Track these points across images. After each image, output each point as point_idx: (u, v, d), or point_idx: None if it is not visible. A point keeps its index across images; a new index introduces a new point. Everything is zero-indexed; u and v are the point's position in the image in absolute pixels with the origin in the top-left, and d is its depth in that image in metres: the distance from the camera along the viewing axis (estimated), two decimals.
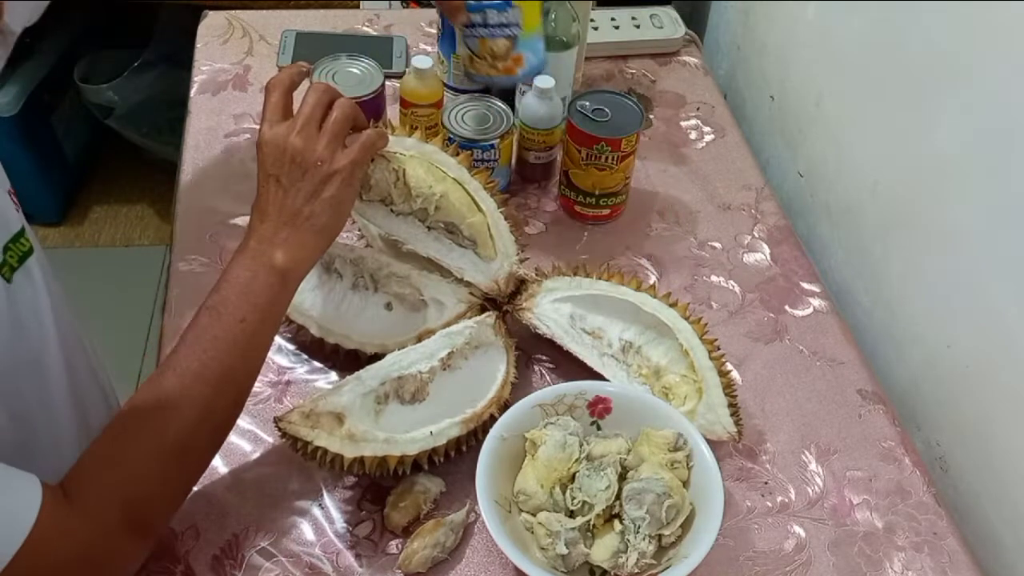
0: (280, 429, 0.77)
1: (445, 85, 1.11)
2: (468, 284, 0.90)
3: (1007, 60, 0.82)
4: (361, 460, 0.77)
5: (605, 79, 1.30)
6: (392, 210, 0.88)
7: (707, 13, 1.48)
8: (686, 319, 0.88)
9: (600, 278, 0.91)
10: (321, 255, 0.78)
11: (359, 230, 0.99)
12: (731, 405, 0.85)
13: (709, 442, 0.80)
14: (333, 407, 0.78)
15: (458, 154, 0.90)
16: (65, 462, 0.68)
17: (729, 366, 0.89)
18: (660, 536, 0.76)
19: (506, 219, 0.90)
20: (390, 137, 0.85)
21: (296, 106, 0.78)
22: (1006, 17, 0.81)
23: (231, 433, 0.85)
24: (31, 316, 0.75)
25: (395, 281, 0.90)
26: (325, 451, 0.76)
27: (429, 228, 0.89)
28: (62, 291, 0.83)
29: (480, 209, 0.89)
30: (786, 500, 0.85)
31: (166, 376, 0.69)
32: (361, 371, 0.83)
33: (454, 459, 0.83)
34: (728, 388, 0.86)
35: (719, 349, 0.87)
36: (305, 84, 0.81)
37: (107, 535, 0.64)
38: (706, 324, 0.89)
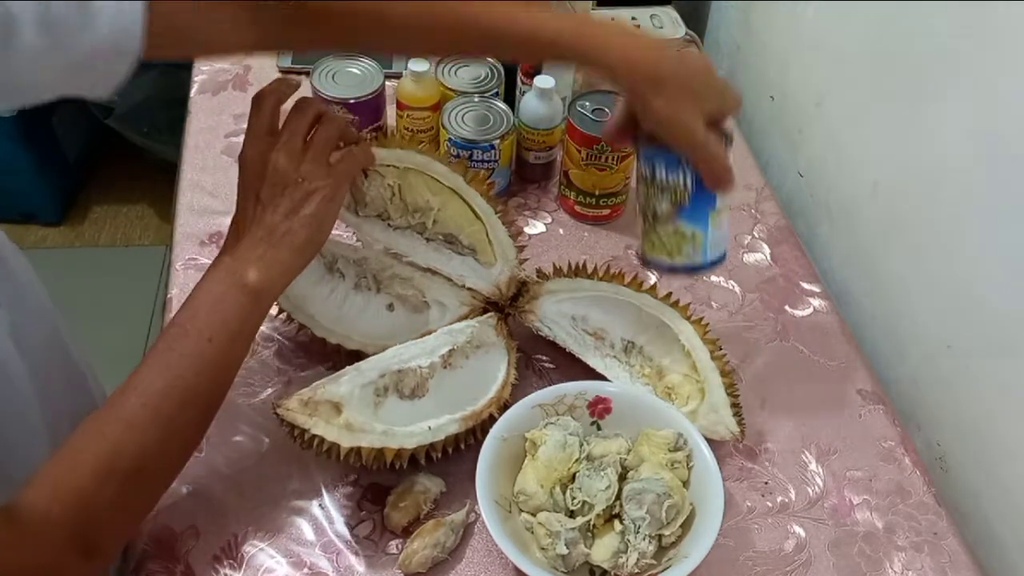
0: (278, 415, 0.77)
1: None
2: (470, 289, 0.90)
3: (1007, 60, 0.82)
4: (358, 451, 0.77)
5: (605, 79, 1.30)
6: (389, 224, 0.88)
7: (707, 13, 1.48)
8: (687, 319, 0.88)
9: (601, 279, 0.91)
10: (298, 273, 0.76)
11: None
12: (734, 405, 0.86)
13: (710, 442, 0.80)
14: (331, 396, 0.78)
15: (454, 158, 0.90)
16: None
17: (731, 366, 0.89)
18: (660, 536, 0.76)
19: (504, 223, 0.90)
20: (383, 150, 0.84)
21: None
22: (1006, 17, 0.81)
23: (231, 433, 0.85)
24: None
25: (398, 282, 0.90)
26: (322, 439, 0.76)
27: (428, 240, 0.89)
28: (30, 298, 0.80)
29: (478, 217, 0.89)
30: (786, 500, 0.85)
31: (127, 394, 0.67)
32: (361, 362, 0.83)
33: (454, 459, 0.83)
34: (730, 388, 0.86)
35: (721, 349, 0.87)
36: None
37: (54, 557, 0.62)
38: (707, 324, 0.89)
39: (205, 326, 0.70)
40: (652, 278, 1.03)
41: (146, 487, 0.70)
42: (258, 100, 0.77)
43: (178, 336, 0.70)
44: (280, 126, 0.77)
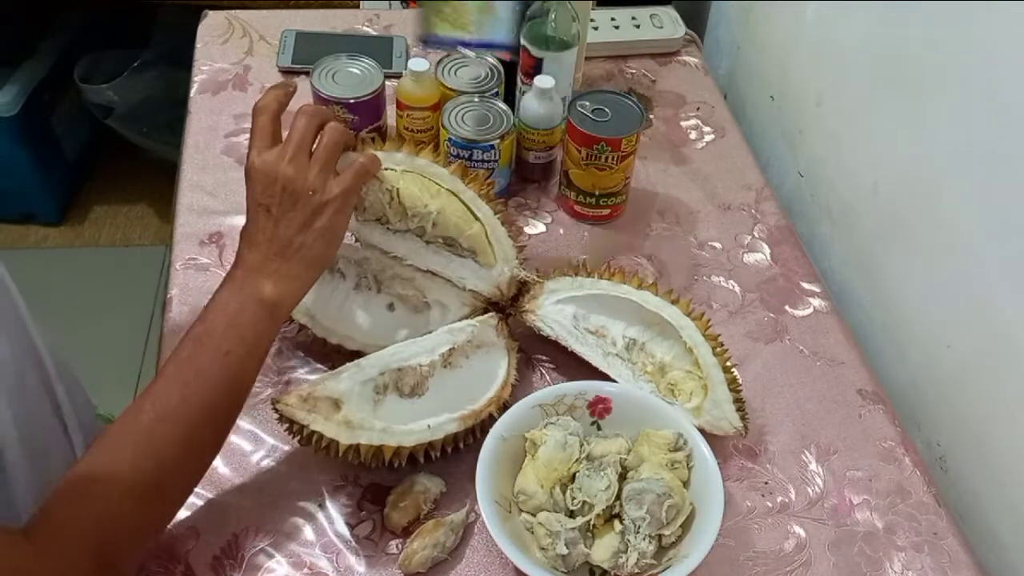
0: (277, 411, 0.77)
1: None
2: (471, 291, 0.90)
3: (1007, 60, 0.82)
4: (357, 448, 0.77)
5: (605, 79, 1.30)
6: (389, 228, 0.88)
7: (707, 13, 1.48)
8: (688, 316, 0.88)
9: (601, 277, 0.91)
10: (311, 285, 0.76)
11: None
12: (737, 400, 0.86)
13: (710, 441, 0.80)
14: (331, 392, 0.78)
15: (453, 159, 0.89)
16: (15, 479, 0.65)
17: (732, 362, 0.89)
18: (660, 536, 0.76)
19: (503, 224, 0.90)
20: (380, 153, 0.84)
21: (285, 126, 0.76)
22: (1006, 17, 0.81)
23: (231, 433, 0.85)
24: None
25: (399, 282, 0.90)
26: (320, 436, 0.76)
27: (427, 243, 0.89)
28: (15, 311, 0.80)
29: (477, 218, 0.89)
30: (786, 500, 0.85)
31: (144, 409, 0.67)
32: (361, 359, 0.83)
33: (454, 459, 0.83)
34: (733, 383, 0.86)
35: (722, 345, 0.87)
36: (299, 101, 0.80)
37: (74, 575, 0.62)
38: (709, 320, 0.89)
39: (221, 340, 0.70)
40: (652, 278, 1.03)
41: (164, 503, 0.70)
42: (258, 111, 0.76)
43: (194, 351, 0.70)
44: (283, 133, 0.77)
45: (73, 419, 0.89)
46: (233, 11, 1.37)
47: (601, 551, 0.76)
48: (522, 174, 1.13)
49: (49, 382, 0.86)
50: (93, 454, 0.66)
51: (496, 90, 1.10)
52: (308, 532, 0.80)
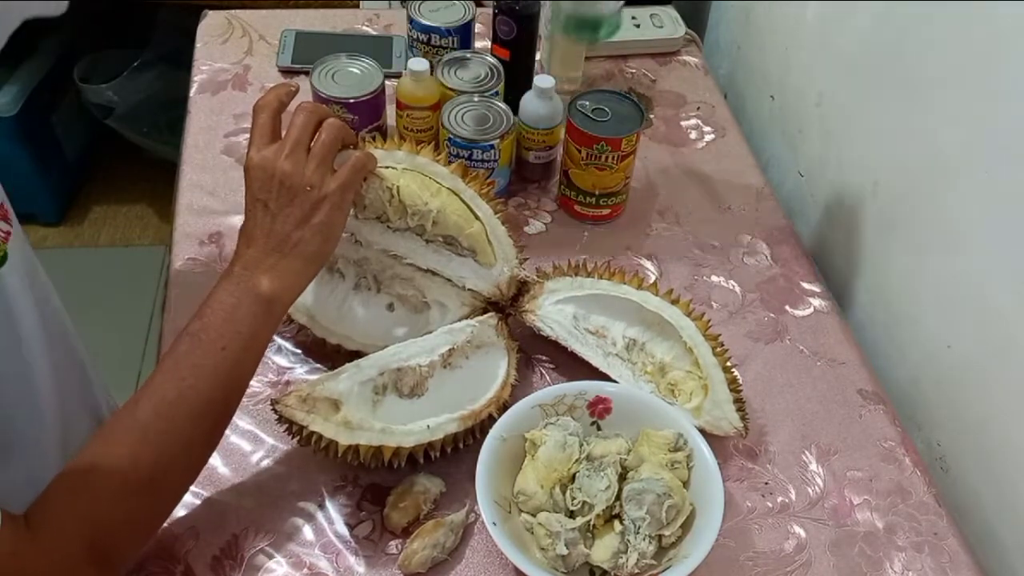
0: (276, 412, 0.77)
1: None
2: (471, 290, 0.90)
3: (1007, 60, 0.82)
4: (356, 449, 0.77)
5: (605, 79, 1.30)
6: (389, 227, 0.88)
7: (707, 13, 1.48)
8: (688, 316, 0.88)
9: (601, 277, 0.91)
10: (309, 282, 0.76)
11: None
12: (737, 401, 0.86)
13: (710, 441, 0.80)
14: (330, 393, 0.78)
15: (453, 158, 0.89)
16: (46, 463, 0.66)
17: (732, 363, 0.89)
18: (660, 536, 0.76)
19: (503, 223, 0.90)
20: (381, 152, 0.84)
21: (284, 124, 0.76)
22: (1006, 17, 0.81)
23: (231, 433, 0.85)
24: (7, 317, 0.73)
25: (398, 283, 0.90)
26: (320, 436, 0.76)
27: (427, 241, 0.89)
28: (51, 294, 0.81)
29: (477, 217, 0.88)
30: (786, 500, 0.85)
31: (141, 404, 0.67)
32: (360, 360, 0.83)
33: (453, 459, 0.83)
34: (733, 384, 0.86)
35: (722, 345, 0.87)
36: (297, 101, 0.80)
37: (69, 569, 0.62)
38: (709, 321, 0.88)
39: (218, 335, 0.70)
40: (652, 277, 1.03)
41: (160, 498, 0.70)
42: (259, 108, 0.77)
43: (192, 345, 0.70)
44: (282, 132, 0.77)
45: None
46: (233, 11, 1.37)
47: (601, 551, 0.76)
48: (522, 174, 1.13)
49: (90, 386, 0.87)
50: (91, 447, 0.66)
51: (496, 90, 1.10)
52: (308, 532, 0.80)
